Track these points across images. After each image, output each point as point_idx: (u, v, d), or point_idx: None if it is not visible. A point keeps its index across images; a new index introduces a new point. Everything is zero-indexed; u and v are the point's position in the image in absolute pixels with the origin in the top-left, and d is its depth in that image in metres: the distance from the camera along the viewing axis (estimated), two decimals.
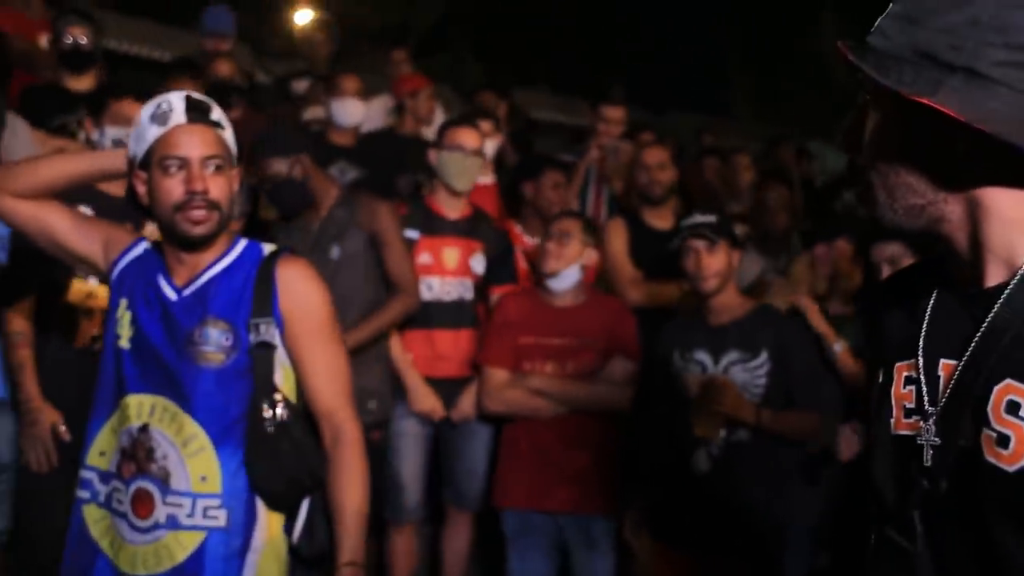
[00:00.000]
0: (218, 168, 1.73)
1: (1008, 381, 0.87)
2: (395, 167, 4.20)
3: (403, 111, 4.72)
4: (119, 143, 2.62)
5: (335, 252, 3.05)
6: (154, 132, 1.71)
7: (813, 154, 6.56)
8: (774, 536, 2.72)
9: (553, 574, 3.15)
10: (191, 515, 1.70)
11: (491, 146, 4.01)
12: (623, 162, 4.26)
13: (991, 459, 0.87)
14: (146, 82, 4.74)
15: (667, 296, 3.37)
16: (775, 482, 2.72)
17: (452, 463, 3.34)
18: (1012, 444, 0.86)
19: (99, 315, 2.60)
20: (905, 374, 0.99)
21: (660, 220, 3.73)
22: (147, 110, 1.74)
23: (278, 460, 1.71)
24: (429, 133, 4.43)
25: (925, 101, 0.86)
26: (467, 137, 3.36)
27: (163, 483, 1.70)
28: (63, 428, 2.59)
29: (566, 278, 3.08)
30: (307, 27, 6.05)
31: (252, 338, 1.74)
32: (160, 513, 1.70)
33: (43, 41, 4.03)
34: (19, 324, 2.64)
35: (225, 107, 4.07)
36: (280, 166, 3.03)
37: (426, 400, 3.21)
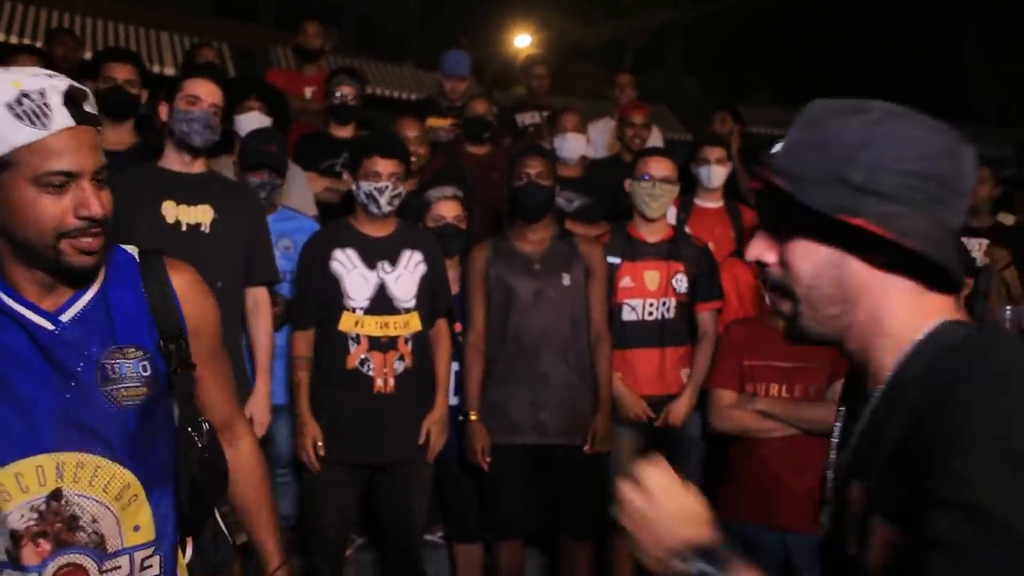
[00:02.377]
0: (101, 181, 1.38)
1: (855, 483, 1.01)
2: (620, 193, 4.36)
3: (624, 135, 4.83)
4: (370, 195, 3.05)
5: (567, 280, 3.27)
6: (22, 135, 1.29)
7: None
8: None
9: None
10: (130, 573, 1.45)
11: (722, 173, 4.04)
12: None
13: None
14: (385, 121, 5.27)
15: None
16: None
17: None
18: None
19: (364, 341, 3.05)
20: None
21: None
22: (1, 95, 1.29)
23: (205, 485, 1.55)
24: None
25: (858, 222, 0.97)
26: (654, 166, 3.47)
27: (98, 550, 1.42)
28: (320, 444, 3.04)
29: None
30: (524, 61, 6.36)
31: (169, 361, 1.49)
32: None
33: (307, 94, 4.62)
34: (302, 349, 3.10)
35: (479, 143, 4.51)
36: (535, 167, 3.27)
37: (633, 405, 3.38)
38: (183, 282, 1.54)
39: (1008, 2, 13.98)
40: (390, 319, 3.08)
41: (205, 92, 2.88)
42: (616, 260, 3.46)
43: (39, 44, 6.14)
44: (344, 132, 4.29)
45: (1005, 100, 14.65)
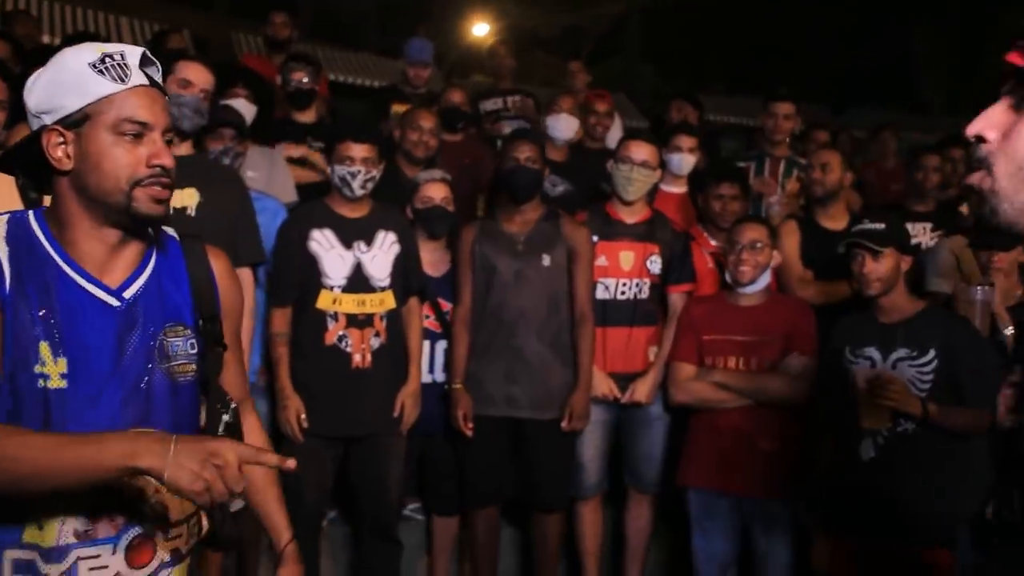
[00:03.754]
0: (169, 142, 1.47)
1: None
2: (597, 179, 4.40)
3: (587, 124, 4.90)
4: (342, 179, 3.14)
5: (547, 260, 3.40)
6: (104, 87, 1.40)
7: None
8: (937, 526, 2.78)
9: (733, 555, 3.36)
10: (187, 542, 1.56)
11: (691, 161, 4.16)
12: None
13: None
14: (347, 107, 5.35)
15: (836, 295, 3.51)
16: (939, 473, 2.79)
17: (631, 449, 3.64)
18: None
19: (343, 318, 3.17)
20: None
21: (831, 221, 3.88)
22: (85, 56, 1.41)
23: None
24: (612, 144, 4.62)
25: None
26: (635, 150, 3.60)
27: (163, 519, 1.50)
28: (303, 416, 3.15)
29: (760, 283, 3.32)
30: (490, 48, 6.48)
31: (207, 341, 1.56)
32: (163, 552, 1.51)
33: (278, 80, 4.67)
34: (281, 326, 3.22)
35: (454, 132, 4.59)
36: (525, 151, 3.39)
37: (601, 384, 3.50)
38: (220, 267, 1.62)
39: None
40: (367, 297, 3.20)
41: (197, 76, 2.94)
42: (593, 239, 3.56)
43: None
44: (306, 117, 4.36)
45: (952, 91, 15.08)
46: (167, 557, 1.52)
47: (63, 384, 1.40)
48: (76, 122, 1.40)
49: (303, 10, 18.08)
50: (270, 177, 3.65)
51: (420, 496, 3.80)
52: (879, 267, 2.84)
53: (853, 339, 2.96)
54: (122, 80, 1.40)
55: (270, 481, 1.76)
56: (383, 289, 3.23)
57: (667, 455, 3.59)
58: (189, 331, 1.54)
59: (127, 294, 1.47)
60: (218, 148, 3.29)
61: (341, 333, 3.19)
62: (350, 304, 3.20)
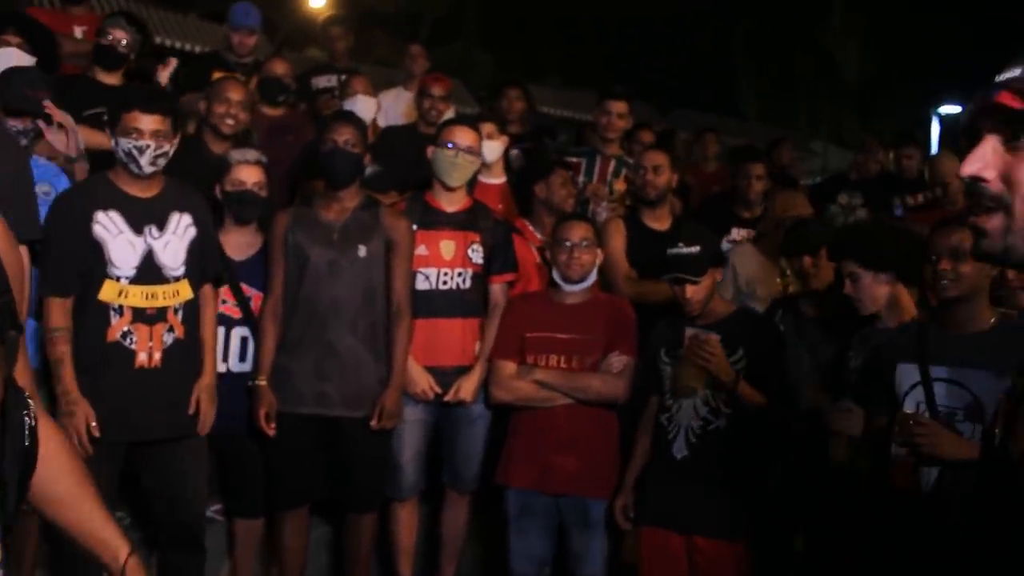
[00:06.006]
0: None
1: None
2: (413, 163, 4.28)
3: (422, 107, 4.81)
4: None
5: (362, 251, 3.23)
6: None
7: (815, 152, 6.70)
8: (748, 518, 2.96)
9: (550, 553, 3.35)
10: None
11: (496, 147, 4.13)
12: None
13: None
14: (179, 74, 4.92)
15: (658, 294, 3.56)
16: (749, 467, 2.99)
17: (451, 448, 3.54)
18: None
19: (128, 312, 2.85)
20: None
21: (657, 221, 3.97)
22: None
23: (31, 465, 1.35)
24: None
25: None
26: (459, 135, 3.48)
27: None
28: (94, 424, 2.79)
29: (587, 282, 3.32)
30: (324, 22, 6.20)
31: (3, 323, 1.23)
32: None
33: (77, 33, 4.23)
34: (61, 319, 2.82)
35: (275, 104, 4.28)
36: (344, 134, 3.20)
37: (419, 381, 3.38)
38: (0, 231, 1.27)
39: (770, 13, 15.32)
40: (158, 289, 2.90)
41: None
42: (412, 228, 3.43)
43: None
44: (111, 79, 3.96)
45: (765, 99, 16.06)
46: None
47: None
48: None
49: None
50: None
51: (222, 497, 3.54)
52: (699, 291, 2.98)
53: (668, 342, 3.09)
54: None
55: (84, 488, 1.43)
56: (177, 279, 2.93)
57: (485, 454, 3.52)
58: None
59: None
60: (18, 127, 2.93)
61: (126, 329, 2.86)
62: (137, 297, 2.87)
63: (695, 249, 2.97)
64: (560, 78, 15.44)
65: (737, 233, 4.39)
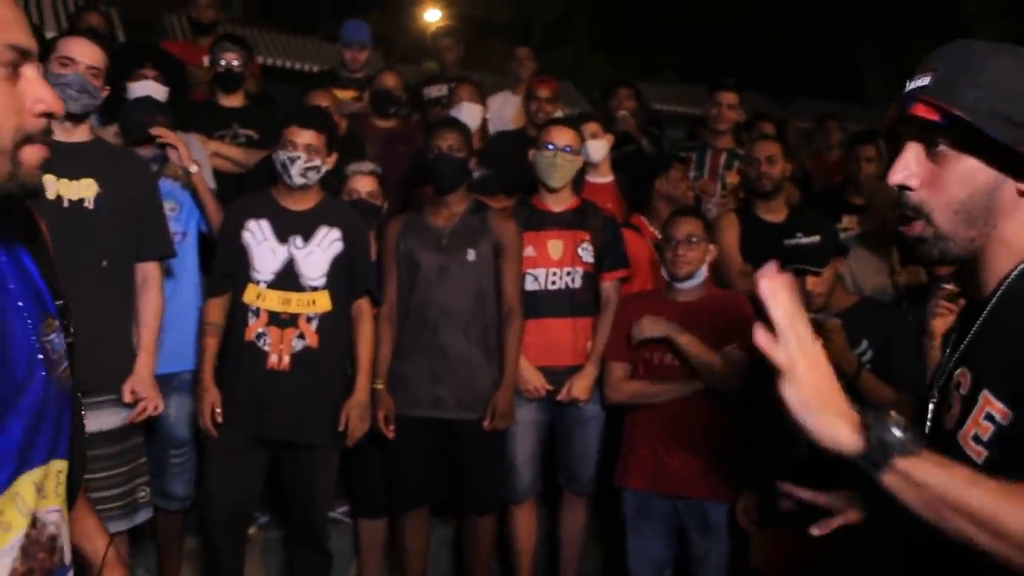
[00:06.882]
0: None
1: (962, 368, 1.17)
2: (522, 166, 4.37)
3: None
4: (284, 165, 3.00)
5: (471, 255, 3.28)
6: None
7: None
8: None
9: (669, 556, 3.27)
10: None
11: (602, 146, 4.10)
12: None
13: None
14: (290, 93, 5.16)
15: None
16: None
17: (565, 449, 3.53)
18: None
19: (264, 315, 3.02)
20: None
21: (772, 213, 3.82)
22: None
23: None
24: None
25: None
26: (557, 135, 3.49)
27: (63, 562, 1.17)
28: (218, 411, 3.00)
29: (697, 278, 3.23)
30: (434, 34, 6.32)
31: (68, 331, 1.21)
32: None
33: (205, 62, 4.47)
34: (212, 316, 3.08)
35: (387, 116, 4.42)
36: (448, 139, 3.25)
37: (530, 378, 3.38)
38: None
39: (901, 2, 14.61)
40: (293, 296, 3.03)
41: (80, 52, 2.71)
42: (519, 230, 3.44)
43: None
44: (232, 101, 4.17)
45: (893, 81, 15.30)
46: None
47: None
48: None
49: None
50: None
51: (348, 498, 3.66)
52: (821, 283, 2.84)
53: None
54: None
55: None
56: (314, 289, 3.05)
57: (602, 455, 3.49)
58: (58, 324, 1.16)
59: (12, 284, 1.09)
60: (147, 156, 3.16)
61: (260, 330, 3.02)
62: (274, 301, 3.03)
63: (815, 239, 2.83)
64: (675, 74, 15.20)
65: (848, 220, 4.18)
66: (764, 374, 3.02)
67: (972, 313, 1.22)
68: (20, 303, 1.09)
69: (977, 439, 1.11)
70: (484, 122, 4.57)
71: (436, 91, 5.46)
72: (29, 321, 1.09)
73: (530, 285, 3.43)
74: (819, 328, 2.69)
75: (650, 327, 3.17)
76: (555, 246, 3.48)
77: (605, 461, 3.45)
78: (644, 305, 3.35)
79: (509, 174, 4.27)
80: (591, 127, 4.05)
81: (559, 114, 4.97)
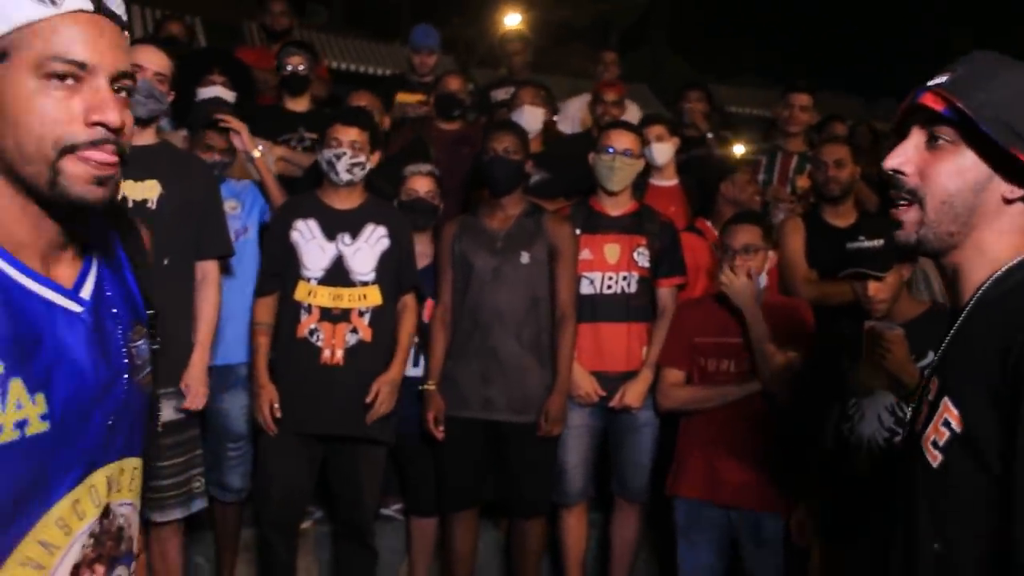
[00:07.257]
0: (125, 93, 1.10)
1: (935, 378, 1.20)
2: (584, 169, 4.35)
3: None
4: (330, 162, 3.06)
5: (525, 257, 3.27)
6: (27, 11, 1.02)
7: None
8: None
9: (722, 566, 3.20)
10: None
11: (666, 149, 4.03)
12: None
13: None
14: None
15: (839, 296, 3.32)
16: None
17: (618, 455, 3.49)
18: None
19: (316, 311, 3.08)
20: None
21: (840, 218, 3.69)
22: None
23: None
24: None
25: None
26: (616, 138, 3.45)
27: (131, 553, 1.22)
28: (276, 406, 3.05)
29: (756, 286, 3.14)
30: (502, 38, 6.33)
31: (154, 338, 1.26)
32: None
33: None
34: (262, 315, 3.15)
35: (451, 119, 4.49)
36: (504, 142, 3.27)
37: (582, 383, 3.35)
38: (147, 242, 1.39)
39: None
40: (344, 291, 3.09)
41: (147, 59, 2.83)
42: (576, 232, 3.42)
43: None
44: (298, 105, 4.26)
45: None
46: None
47: (45, 427, 1.04)
48: None
49: (334, 1, 18.13)
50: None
51: (401, 496, 3.69)
52: (884, 289, 2.72)
53: (849, 344, 2.80)
54: (53, 2, 1.02)
55: None
56: (365, 284, 3.11)
57: (656, 462, 3.43)
58: (146, 331, 1.22)
59: (84, 294, 1.12)
60: (210, 160, 3.27)
61: (313, 326, 3.08)
62: (325, 297, 3.09)
63: (878, 243, 2.71)
64: (756, 76, 14.89)
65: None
66: (818, 386, 2.93)
67: (951, 322, 1.24)
68: (115, 309, 1.17)
69: (935, 444, 1.15)
70: (547, 125, 4.55)
71: (503, 94, 5.48)
72: (120, 327, 1.16)
73: (586, 289, 3.40)
74: (879, 338, 2.60)
75: (737, 290, 3.09)
76: (611, 250, 3.45)
77: (659, 469, 3.39)
78: (701, 311, 3.28)
79: (571, 177, 4.25)
80: (656, 130, 4.00)
81: (632, 115, 4.93)
